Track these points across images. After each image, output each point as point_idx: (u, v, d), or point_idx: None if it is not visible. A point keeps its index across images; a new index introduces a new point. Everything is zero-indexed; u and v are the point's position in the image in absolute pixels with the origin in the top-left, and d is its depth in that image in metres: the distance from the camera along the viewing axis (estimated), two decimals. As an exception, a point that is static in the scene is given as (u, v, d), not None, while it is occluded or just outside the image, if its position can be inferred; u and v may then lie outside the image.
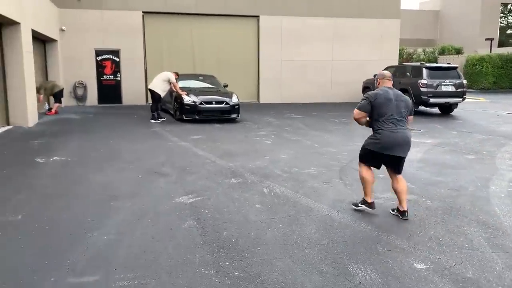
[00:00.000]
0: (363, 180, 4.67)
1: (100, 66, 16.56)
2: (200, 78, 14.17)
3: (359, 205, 4.73)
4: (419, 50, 33.92)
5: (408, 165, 7.09)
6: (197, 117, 11.94)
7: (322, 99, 18.47)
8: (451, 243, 3.91)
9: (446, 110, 15.11)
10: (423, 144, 9.25)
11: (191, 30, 17.54)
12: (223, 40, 17.93)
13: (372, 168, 4.76)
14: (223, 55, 17.98)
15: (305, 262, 3.45)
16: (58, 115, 13.14)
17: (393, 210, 4.71)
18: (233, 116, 12.33)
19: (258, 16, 18.04)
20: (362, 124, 4.67)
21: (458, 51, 33.04)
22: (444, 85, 14.19)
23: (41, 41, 14.31)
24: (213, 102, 12.14)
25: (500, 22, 39.90)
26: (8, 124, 10.45)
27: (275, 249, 3.68)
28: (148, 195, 5.14)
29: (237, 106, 12.37)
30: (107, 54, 16.55)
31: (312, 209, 4.74)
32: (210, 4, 17.30)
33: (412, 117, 4.67)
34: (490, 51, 30.36)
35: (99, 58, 16.50)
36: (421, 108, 14.91)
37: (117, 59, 16.61)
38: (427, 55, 33.07)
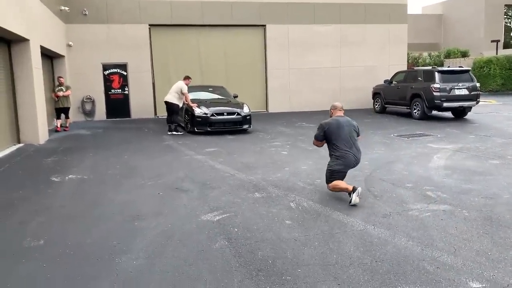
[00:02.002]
0: (337, 188, 5.41)
1: (107, 80, 16.47)
2: (209, 89, 14.02)
3: (351, 200, 5.19)
4: (425, 54, 33.75)
5: (434, 173, 6.89)
6: (209, 129, 11.77)
7: (332, 107, 18.27)
8: (501, 258, 3.67)
9: (460, 114, 14.87)
10: (444, 150, 9.02)
11: (198, 41, 17.46)
12: (230, 50, 17.83)
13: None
14: (231, 65, 17.87)
15: (352, 284, 3.22)
16: (67, 132, 13.03)
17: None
18: (245, 127, 12.15)
19: (264, 25, 17.94)
20: (320, 147, 5.83)
21: (464, 54, 32.83)
22: (457, 88, 13.97)
23: (48, 57, 14.23)
24: (225, 113, 11.97)
25: (505, 24, 39.68)
26: (19, 142, 10.30)
27: (316, 270, 3.45)
28: (172, 213, 4.93)
29: (248, 117, 12.20)
30: (115, 68, 16.46)
31: (346, 224, 4.51)
32: (216, 15, 17.22)
33: (361, 136, 5.83)
34: (496, 53, 30.13)
35: (106, 72, 16.42)
36: (434, 112, 14.67)
37: (125, 73, 16.52)
38: (432, 59, 32.88)
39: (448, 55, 33.02)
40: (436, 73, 14.17)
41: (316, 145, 5.76)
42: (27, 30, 9.91)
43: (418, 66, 30.69)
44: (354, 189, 5.16)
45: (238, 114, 12.02)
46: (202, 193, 5.77)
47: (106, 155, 8.93)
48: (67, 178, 6.77)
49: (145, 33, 16.59)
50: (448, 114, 15.46)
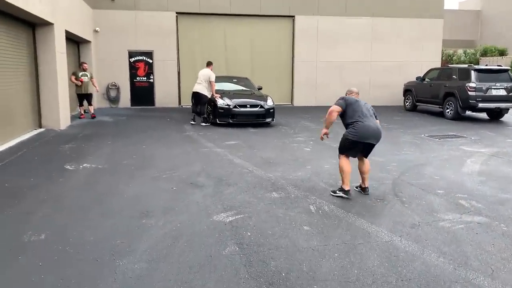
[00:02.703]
0: (342, 170, 5.26)
1: (133, 68, 16.36)
2: (234, 80, 13.69)
3: (337, 192, 5.29)
4: (460, 51, 32.44)
5: (468, 179, 6.39)
6: (231, 121, 11.47)
7: (360, 103, 17.61)
8: (547, 285, 3.22)
9: (496, 116, 14.09)
10: (478, 153, 8.44)
11: (225, 31, 17.12)
12: (257, 41, 17.43)
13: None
14: (257, 57, 17.48)
15: (373, 307, 2.85)
16: (93, 118, 12.83)
17: (356, 187, 5.59)
18: (268, 120, 11.80)
19: (293, 16, 17.44)
20: (332, 120, 5.31)
21: (502, 53, 31.37)
22: (494, 88, 13.19)
23: (74, 42, 14.19)
24: (248, 106, 11.63)
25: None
26: (40, 126, 10.25)
27: (334, 287, 3.09)
28: (183, 211, 4.64)
29: (272, 110, 11.82)
30: (140, 55, 16.32)
31: (369, 234, 4.12)
32: (245, 4, 16.82)
33: (378, 121, 5.40)
34: (537, 52, 28.67)
35: (132, 59, 16.30)
36: (468, 113, 13.93)
37: (150, 61, 16.37)
38: (468, 57, 31.56)
39: (485, 53, 31.63)
40: (472, 71, 13.41)
41: (331, 113, 5.21)
42: (51, 14, 9.79)
43: (452, 63, 29.52)
44: (346, 191, 5.21)
45: (262, 106, 11.66)
46: (217, 189, 5.46)
47: (124, 143, 8.74)
48: (81, 166, 6.59)
49: (172, 21, 16.36)
50: (483, 115, 14.69)
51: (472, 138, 10.34)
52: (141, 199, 5.03)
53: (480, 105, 13.12)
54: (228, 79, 13.80)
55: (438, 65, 18.70)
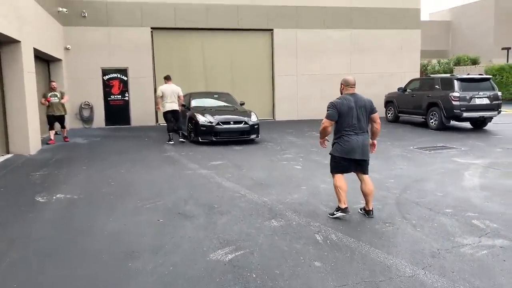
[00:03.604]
0: (337, 189, 4.94)
1: (107, 86, 15.66)
2: (215, 96, 13.20)
3: (335, 213, 4.96)
4: (434, 61, 32.90)
5: (473, 195, 6.03)
6: (214, 138, 10.93)
7: (342, 115, 17.31)
8: None
9: (479, 125, 13.99)
10: (473, 165, 8.15)
11: (202, 45, 16.66)
12: (236, 55, 17.03)
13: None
14: (236, 71, 17.05)
15: None
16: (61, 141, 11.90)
17: (360, 210, 5.19)
18: (253, 136, 11.32)
19: (272, 30, 17.14)
20: (327, 134, 5.03)
21: (474, 62, 31.97)
22: (477, 97, 13.11)
23: (44, 60, 13.44)
24: (231, 122, 11.13)
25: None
26: (7, 152, 9.47)
27: None
28: (174, 249, 4.05)
29: (256, 126, 11.36)
30: (115, 73, 15.66)
31: (389, 268, 3.64)
32: (222, 18, 16.42)
33: (377, 114, 5.07)
34: (507, 61, 29.30)
35: (106, 77, 15.62)
36: (452, 122, 13.79)
37: (125, 78, 15.72)
38: (442, 66, 32.02)
39: (458, 63, 32.15)
40: (455, 80, 13.31)
41: (325, 129, 4.92)
42: (18, 31, 9.11)
43: (427, 73, 29.82)
44: (344, 210, 4.91)
45: (246, 123, 11.18)
46: (210, 220, 4.90)
47: (101, 168, 8.08)
48: (54, 198, 5.91)
49: (147, 36, 15.80)
50: (466, 125, 14.59)
51: (462, 149, 10.10)
52: (124, 236, 4.42)
53: (465, 114, 13.00)
54: (209, 94, 13.30)
55: (418, 75, 18.70)
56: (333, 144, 4.99)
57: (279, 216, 5.02)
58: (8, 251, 4.07)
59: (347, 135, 4.79)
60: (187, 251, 3.99)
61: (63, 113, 11.64)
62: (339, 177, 4.97)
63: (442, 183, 6.81)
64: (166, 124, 11.62)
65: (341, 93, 5.03)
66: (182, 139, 11.46)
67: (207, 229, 4.56)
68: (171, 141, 11.37)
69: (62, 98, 11.53)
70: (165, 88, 11.43)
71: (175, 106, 11.33)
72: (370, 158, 5.06)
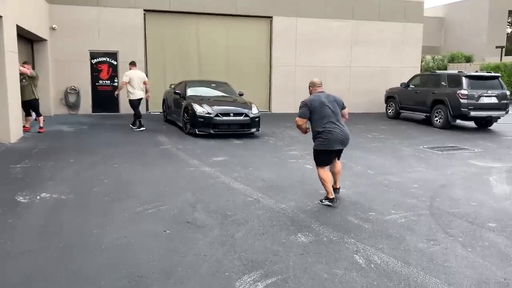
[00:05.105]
0: (323, 181, 5.15)
1: (95, 70, 14.65)
2: (212, 85, 12.38)
3: (323, 201, 5.18)
4: (428, 57, 32.50)
5: (509, 205, 5.43)
6: (212, 131, 10.15)
7: (340, 109, 16.63)
8: None
9: (484, 125, 13.50)
10: (494, 169, 7.59)
11: (197, 31, 15.74)
12: (232, 43, 16.15)
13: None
14: (232, 60, 16.20)
15: None
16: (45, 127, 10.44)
17: (320, 201, 5.31)
18: (253, 130, 10.58)
19: (271, 17, 16.31)
20: (303, 131, 5.39)
21: (468, 59, 31.69)
22: (486, 96, 12.58)
23: (28, 40, 12.40)
24: (231, 114, 10.36)
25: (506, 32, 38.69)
26: (-15, 139, 8.55)
27: None
28: (190, 274, 3.30)
29: (257, 119, 10.63)
30: (104, 56, 14.66)
31: (459, 305, 2.98)
32: (218, 3, 15.51)
33: (347, 109, 5.45)
34: (501, 59, 29.06)
35: (94, 61, 14.61)
36: (457, 121, 13.26)
37: (115, 63, 14.73)
38: (436, 63, 31.65)
39: (452, 60, 31.83)
40: (463, 78, 12.74)
41: (300, 127, 5.27)
42: (0, 4, 8.15)
43: (421, 70, 29.38)
44: (331, 200, 5.11)
45: (246, 115, 10.43)
46: (225, 232, 4.16)
47: (91, 161, 7.25)
48: (38, 197, 5.09)
49: (140, 19, 14.80)
50: (470, 124, 14.10)
51: (475, 150, 9.56)
52: (126, 252, 3.66)
53: (472, 113, 12.47)
54: (206, 83, 12.49)
55: (418, 71, 18.15)
56: (315, 139, 5.17)
57: (305, 229, 4.31)
58: (-19, 271, 3.28)
59: (328, 128, 5.01)
60: (206, 276, 3.24)
61: (33, 97, 10.04)
62: (322, 169, 5.18)
63: (470, 190, 6.21)
64: (135, 111, 11.22)
65: (310, 94, 5.41)
66: (136, 127, 11.23)
67: (225, 245, 3.83)
68: (141, 128, 11.13)
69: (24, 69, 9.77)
70: (133, 74, 11.06)
71: (143, 94, 11.30)
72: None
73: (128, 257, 3.55)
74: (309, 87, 5.48)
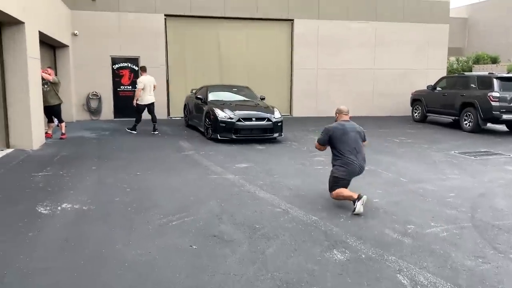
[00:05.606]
0: (340, 196, 5.10)
1: (116, 76, 14.64)
2: (233, 89, 12.17)
3: (354, 208, 4.87)
4: (452, 59, 31.68)
5: None
6: (234, 136, 9.93)
7: (363, 112, 16.23)
8: None
9: (516, 128, 12.96)
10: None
11: (218, 35, 15.60)
12: (253, 46, 15.96)
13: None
14: (253, 63, 15.99)
15: None
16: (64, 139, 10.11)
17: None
18: (276, 135, 10.32)
19: (292, 20, 16.06)
20: (322, 150, 5.63)
21: (494, 60, 30.78)
22: (518, 98, 12.04)
23: (50, 46, 12.43)
24: (253, 119, 10.12)
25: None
26: (8, 146, 8.49)
27: None
28: (220, 295, 3.06)
29: (280, 124, 10.37)
30: (125, 62, 14.63)
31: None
32: (239, 7, 15.34)
33: (367, 142, 5.56)
34: (529, 60, 28.13)
35: (115, 66, 14.59)
36: (488, 125, 12.74)
37: (136, 68, 14.67)
38: (460, 64, 30.82)
39: (477, 61, 30.96)
40: (495, 79, 12.24)
41: (317, 149, 5.57)
42: (22, 11, 8.09)
43: (459, 71, 28.62)
44: (359, 197, 4.89)
45: (269, 120, 10.18)
46: (255, 247, 3.89)
47: (113, 168, 7.09)
48: (59, 208, 4.92)
49: (161, 24, 14.74)
50: (501, 127, 13.54)
51: (511, 155, 9.08)
52: (150, 270, 3.42)
53: (504, 116, 11.95)
54: (227, 88, 12.27)
55: (444, 73, 17.61)
56: (334, 165, 5.27)
57: (341, 245, 4.01)
58: (-1, 290, 3.10)
59: (349, 159, 5.11)
60: (239, 299, 2.99)
61: (56, 103, 9.90)
62: (338, 189, 5.15)
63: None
64: (137, 115, 11.34)
65: (336, 121, 5.51)
66: (131, 130, 11.35)
67: (256, 263, 3.56)
68: (134, 131, 11.25)
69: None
70: (145, 80, 11.08)
71: (153, 99, 11.30)
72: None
73: (153, 275, 3.32)
74: (336, 113, 5.58)
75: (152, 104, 11.31)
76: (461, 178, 6.98)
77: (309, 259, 3.66)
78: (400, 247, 3.99)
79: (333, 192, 5.17)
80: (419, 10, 17.09)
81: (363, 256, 3.77)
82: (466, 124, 12.80)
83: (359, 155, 5.19)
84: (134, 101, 11.23)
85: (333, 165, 5.30)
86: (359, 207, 4.82)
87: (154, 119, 11.36)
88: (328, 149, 5.52)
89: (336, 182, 5.17)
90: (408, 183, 6.58)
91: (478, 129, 12.44)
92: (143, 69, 11.39)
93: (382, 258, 3.73)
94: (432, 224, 4.70)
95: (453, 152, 9.36)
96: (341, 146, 5.17)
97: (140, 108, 11.24)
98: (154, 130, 11.24)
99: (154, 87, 11.33)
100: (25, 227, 4.29)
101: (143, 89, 11.00)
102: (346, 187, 5.19)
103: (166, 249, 3.83)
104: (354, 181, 5.45)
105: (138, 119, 11.34)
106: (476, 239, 4.29)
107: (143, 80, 11.04)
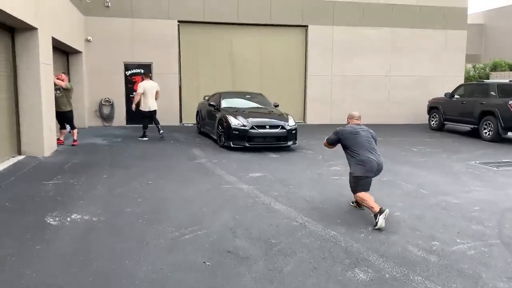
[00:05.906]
0: (364, 202, 4.94)
1: (129, 82, 14.58)
2: (247, 96, 11.98)
3: (376, 222, 4.67)
4: (469, 66, 31.15)
5: None
6: (247, 144, 9.73)
7: (379, 120, 15.96)
8: None
9: (537, 137, 12.55)
10: None
11: (231, 41, 15.48)
12: (267, 52, 15.81)
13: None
14: (266, 70, 15.83)
15: None
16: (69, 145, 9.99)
17: (352, 203, 5.51)
18: (290, 143, 10.10)
19: (306, 26, 15.88)
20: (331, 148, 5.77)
21: (512, 67, 30.15)
22: (541, 107, 11.67)
23: (63, 52, 12.41)
24: (267, 126, 9.93)
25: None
26: (19, 153, 8.41)
27: None
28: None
29: (294, 131, 10.16)
30: (138, 68, 14.58)
31: None
32: (253, 13, 15.22)
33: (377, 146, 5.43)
34: (547, 67, 27.48)
35: (128, 72, 14.55)
36: (509, 134, 12.37)
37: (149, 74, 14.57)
38: (477, 72, 30.27)
39: (494, 68, 30.38)
40: (516, 87, 11.90)
41: (325, 146, 5.70)
42: (35, 17, 8.04)
43: (476, 79, 28.11)
44: (381, 211, 4.67)
45: (283, 127, 9.97)
46: (272, 265, 3.68)
47: (124, 177, 6.94)
48: (68, 219, 4.76)
49: (174, 30, 14.67)
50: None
51: (535, 165, 8.74)
52: (162, 288, 3.23)
53: (526, 125, 11.59)
54: (240, 94, 12.09)
55: (462, 80, 17.24)
56: (352, 165, 5.20)
57: (363, 263, 3.77)
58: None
59: (365, 156, 5.06)
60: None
61: (67, 109, 9.82)
62: (361, 193, 5.03)
63: (542, 214, 5.50)
64: (144, 121, 11.33)
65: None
66: (141, 138, 11.30)
67: (273, 283, 3.35)
68: (145, 137, 11.21)
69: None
70: (146, 85, 11.04)
71: (155, 106, 11.26)
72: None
73: (164, 296, 3.13)
74: (347, 118, 5.61)
75: (154, 111, 11.30)
76: (485, 191, 6.68)
77: (330, 279, 3.43)
78: (426, 266, 3.74)
79: (358, 195, 5.06)
80: (435, 16, 16.79)
81: (387, 275, 3.53)
82: (485, 133, 12.45)
83: (374, 151, 5.15)
84: (133, 106, 11.30)
85: (350, 166, 5.24)
86: (381, 221, 4.61)
87: (156, 122, 11.39)
88: (345, 158, 5.34)
89: (357, 181, 5.08)
90: (429, 195, 6.31)
91: (498, 138, 12.09)
92: (146, 75, 11.53)
93: (408, 279, 3.49)
94: (458, 240, 4.43)
95: (473, 162, 9.04)
96: (354, 145, 5.15)
97: (144, 115, 11.26)
98: (159, 131, 11.25)
99: (157, 93, 11.24)
100: (32, 240, 4.13)
101: (143, 93, 10.94)
102: (368, 187, 5.09)
103: (178, 265, 3.63)
104: (373, 192, 5.22)
105: (145, 125, 11.31)
106: (506, 258, 4.02)
107: (143, 85, 11.04)
